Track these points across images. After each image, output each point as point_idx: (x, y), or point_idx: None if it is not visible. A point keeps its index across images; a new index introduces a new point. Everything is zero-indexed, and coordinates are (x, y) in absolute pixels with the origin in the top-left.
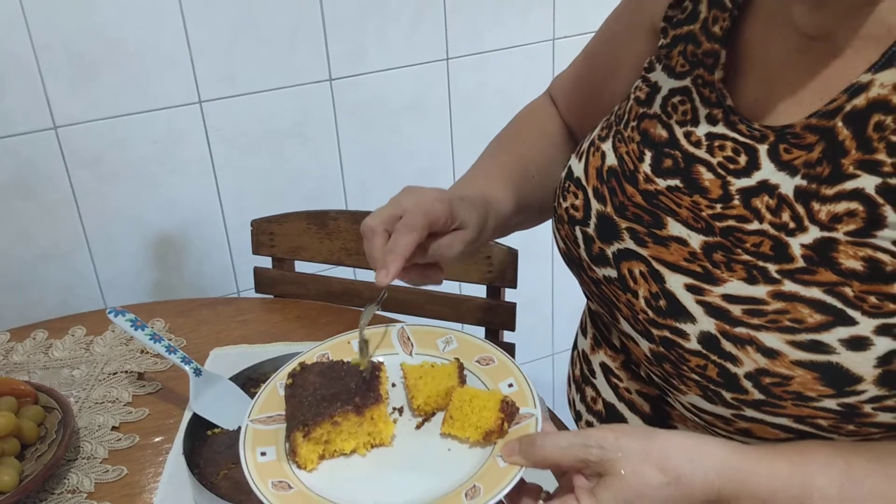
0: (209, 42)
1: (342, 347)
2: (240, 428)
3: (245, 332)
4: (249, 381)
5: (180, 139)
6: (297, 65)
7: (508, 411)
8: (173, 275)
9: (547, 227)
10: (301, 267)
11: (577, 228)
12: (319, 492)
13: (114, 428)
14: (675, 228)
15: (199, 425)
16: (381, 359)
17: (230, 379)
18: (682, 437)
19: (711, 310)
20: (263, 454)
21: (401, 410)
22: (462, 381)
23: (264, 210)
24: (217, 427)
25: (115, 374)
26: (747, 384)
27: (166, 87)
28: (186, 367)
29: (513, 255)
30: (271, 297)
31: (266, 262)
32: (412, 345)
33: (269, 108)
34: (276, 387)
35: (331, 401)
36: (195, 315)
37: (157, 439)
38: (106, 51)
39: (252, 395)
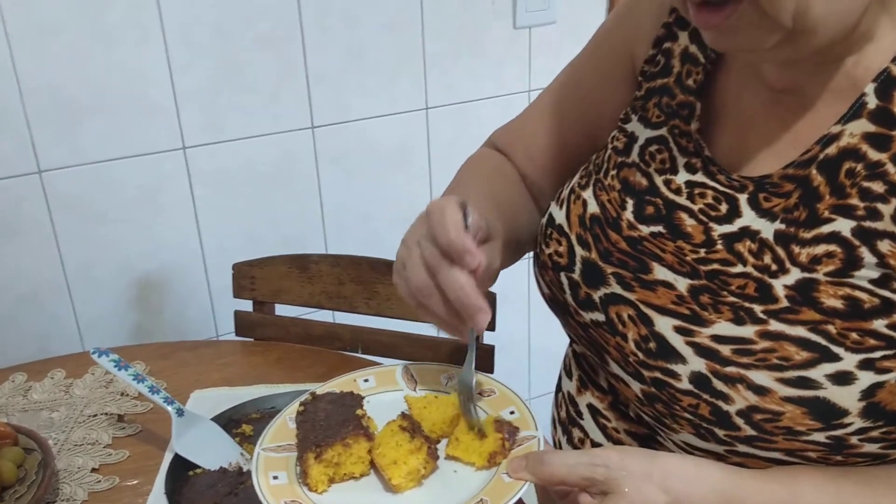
0: (194, 90)
1: (348, 385)
2: (223, 469)
3: (226, 374)
4: (231, 421)
5: (163, 184)
6: (280, 112)
7: (507, 430)
8: (153, 318)
9: (521, 273)
10: (281, 310)
11: (563, 274)
12: None
13: (93, 470)
14: (660, 273)
15: (181, 466)
16: (384, 395)
17: (212, 419)
18: (682, 459)
19: (701, 350)
20: (275, 478)
21: None
22: None
23: (245, 254)
24: (199, 468)
25: (94, 416)
26: (739, 421)
27: (151, 134)
28: (169, 408)
29: (491, 298)
30: (252, 340)
31: (247, 305)
32: (416, 381)
33: (251, 155)
34: (285, 420)
35: (342, 424)
36: (176, 358)
37: (136, 481)
38: (92, 97)
39: (234, 436)
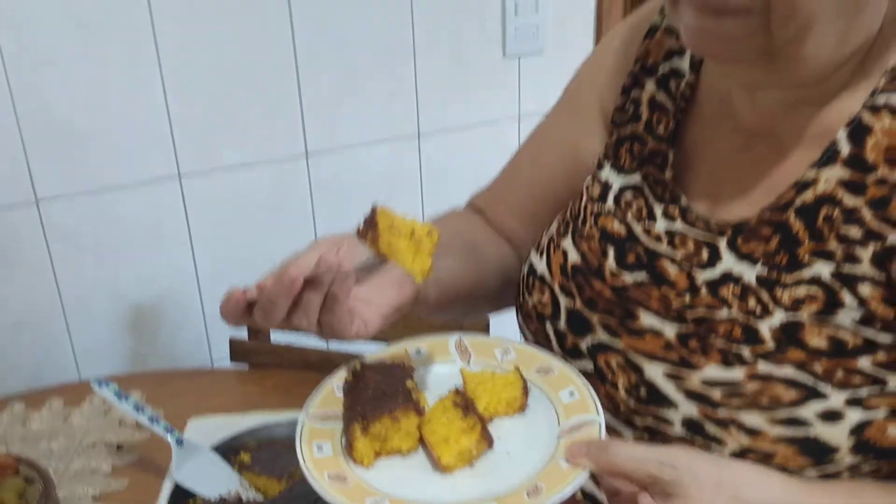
0: (189, 119)
1: (399, 355)
2: (222, 498)
3: (222, 401)
4: (230, 450)
5: (159, 212)
6: (275, 140)
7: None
8: (148, 344)
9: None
10: (276, 337)
11: (548, 324)
12: (377, 486)
13: (94, 498)
14: (647, 320)
15: (180, 494)
16: (437, 367)
17: (212, 448)
18: (749, 467)
19: (693, 395)
20: (320, 448)
21: None
22: (525, 391)
23: (239, 280)
24: (198, 496)
25: (93, 445)
26: None
27: (146, 163)
28: (169, 437)
29: (485, 322)
30: (246, 366)
31: (242, 332)
32: (470, 354)
33: (246, 182)
34: (332, 388)
35: (391, 396)
36: (172, 386)
37: None
38: (89, 126)
39: (232, 464)
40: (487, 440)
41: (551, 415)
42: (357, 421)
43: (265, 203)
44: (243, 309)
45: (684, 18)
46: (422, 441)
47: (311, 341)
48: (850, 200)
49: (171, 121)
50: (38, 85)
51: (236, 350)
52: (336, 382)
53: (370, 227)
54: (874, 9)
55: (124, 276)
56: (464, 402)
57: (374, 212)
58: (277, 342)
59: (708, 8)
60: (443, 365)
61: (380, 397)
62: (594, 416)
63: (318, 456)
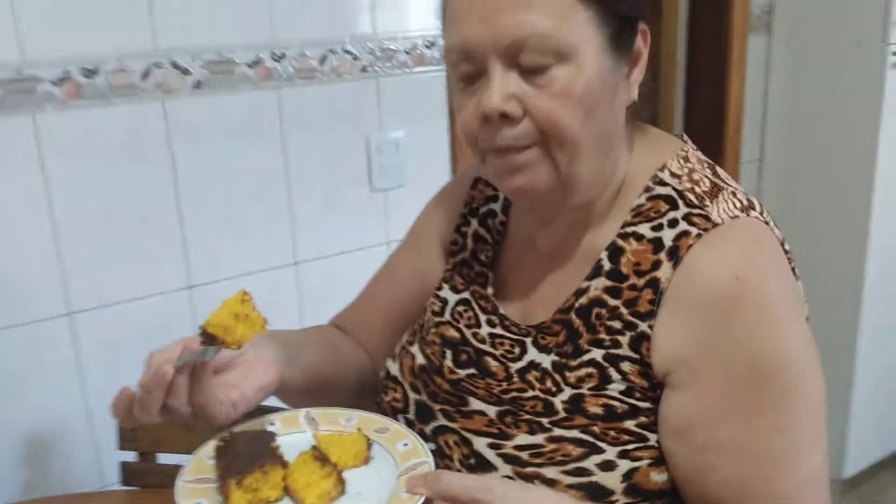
0: (79, 258)
1: (258, 427)
2: None
3: None
4: None
5: (49, 348)
6: (160, 274)
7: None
8: (41, 474)
9: None
10: (164, 458)
11: (400, 416)
12: None
13: None
14: (475, 405)
15: None
16: (291, 437)
17: None
18: (550, 492)
19: (508, 458)
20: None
21: None
22: (368, 445)
23: None
24: None
25: None
26: None
27: (36, 301)
28: None
29: None
30: (137, 488)
31: (131, 456)
32: (318, 424)
33: (134, 315)
34: (202, 458)
35: (261, 455)
36: None
37: None
38: None
39: None
40: (342, 484)
41: (391, 462)
42: (232, 476)
43: (151, 334)
44: (131, 404)
45: (492, 168)
46: (286, 490)
47: None
48: (612, 301)
49: (61, 263)
50: None
51: (127, 473)
52: (204, 453)
53: (214, 342)
54: (616, 156)
55: (16, 411)
56: (321, 455)
57: (205, 332)
58: (164, 463)
59: (504, 150)
60: (296, 434)
61: (251, 456)
62: (425, 458)
63: None
